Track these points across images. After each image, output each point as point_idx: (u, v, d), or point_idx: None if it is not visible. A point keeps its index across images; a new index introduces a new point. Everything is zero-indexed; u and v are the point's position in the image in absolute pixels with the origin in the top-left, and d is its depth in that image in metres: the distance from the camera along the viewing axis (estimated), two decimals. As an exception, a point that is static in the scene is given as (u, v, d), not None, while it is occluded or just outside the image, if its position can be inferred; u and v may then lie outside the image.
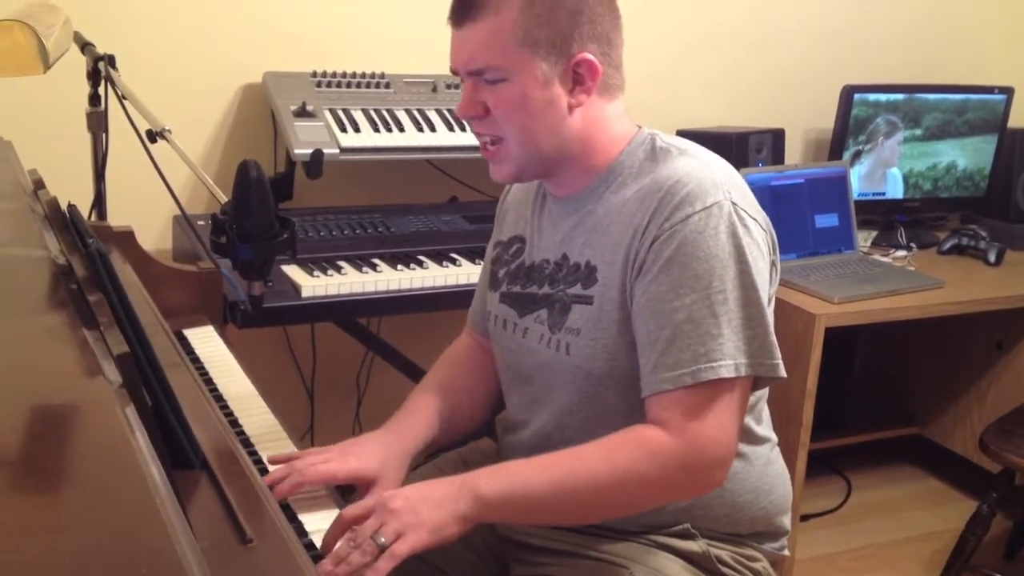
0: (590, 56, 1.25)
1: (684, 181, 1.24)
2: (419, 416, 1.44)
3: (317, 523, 1.19)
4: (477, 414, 1.53)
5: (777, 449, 1.44)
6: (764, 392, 1.38)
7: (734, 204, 1.23)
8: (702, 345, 1.19)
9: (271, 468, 1.29)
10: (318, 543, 1.15)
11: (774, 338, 1.24)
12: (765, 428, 1.41)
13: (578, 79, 1.26)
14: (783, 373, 1.25)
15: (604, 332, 1.28)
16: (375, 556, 1.10)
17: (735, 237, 1.22)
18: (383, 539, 1.11)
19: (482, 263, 1.56)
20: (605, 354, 1.29)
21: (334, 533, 1.14)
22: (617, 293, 1.27)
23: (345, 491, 1.33)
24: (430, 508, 1.15)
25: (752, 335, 1.22)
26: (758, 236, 1.26)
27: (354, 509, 1.15)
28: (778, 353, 1.24)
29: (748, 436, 1.36)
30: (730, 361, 1.20)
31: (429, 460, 1.60)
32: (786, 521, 1.44)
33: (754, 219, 1.26)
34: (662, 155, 1.30)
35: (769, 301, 1.31)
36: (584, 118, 1.29)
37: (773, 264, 1.31)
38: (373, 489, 1.32)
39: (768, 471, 1.40)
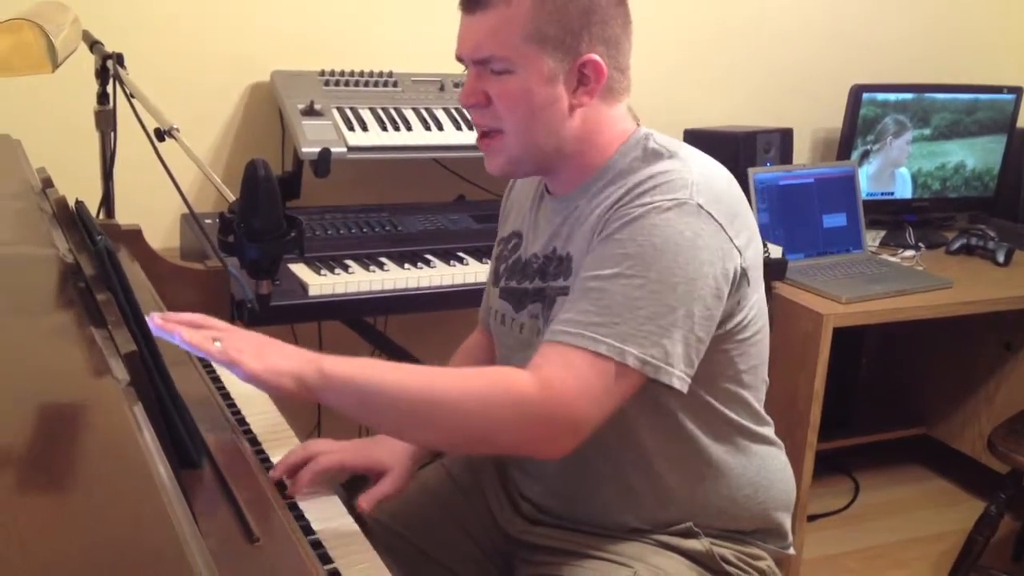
0: (597, 58, 1.24)
1: (657, 178, 1.23)
2: None
3: (324, 522, 1.20)
4: None
5: (779, 448, 1.43)
6: (759, 395, 1.37)
7: (699, 205, 1.20)
8: (598, 316, 1.16)
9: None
10: (325, 542, 1.15)
11: (681, 348, 1.18)
12: (765, 428, 1.40)
13: (583, 80, 1.26)
14: (678, 385, 1.19)
15: None
16: (202, 342, 1.15)
17: (682, 235, 1.18)
18: (219, 344, 1.15)
19: (489, 262, 1.57)
20: None
21: None
22: None
23: (354, 489, 1.34)
24: (275, 352, 1.18)
25: (653, 331, 1.16)
26: (716, 243, 1.21)
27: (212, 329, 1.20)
28: (678, 363, 1.18)
29: (745, 433, 1.35)
30: (616, 344, 1.15)
31: (436, 459, 1.60)
32: (788, 519, 1.44)
33: (720, 225, 1.21)
34: (653, 157, 1.28)
35: (734, 315, 1.26)
36: (584, 120, 1.28)
37: (745, 273, 1.25)
38: (388, 476, 1.35)
39: (767, 466, 1.39)
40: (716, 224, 1.21)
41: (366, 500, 1.29)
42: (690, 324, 1.19)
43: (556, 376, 1.16)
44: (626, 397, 1.19)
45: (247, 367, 1.14)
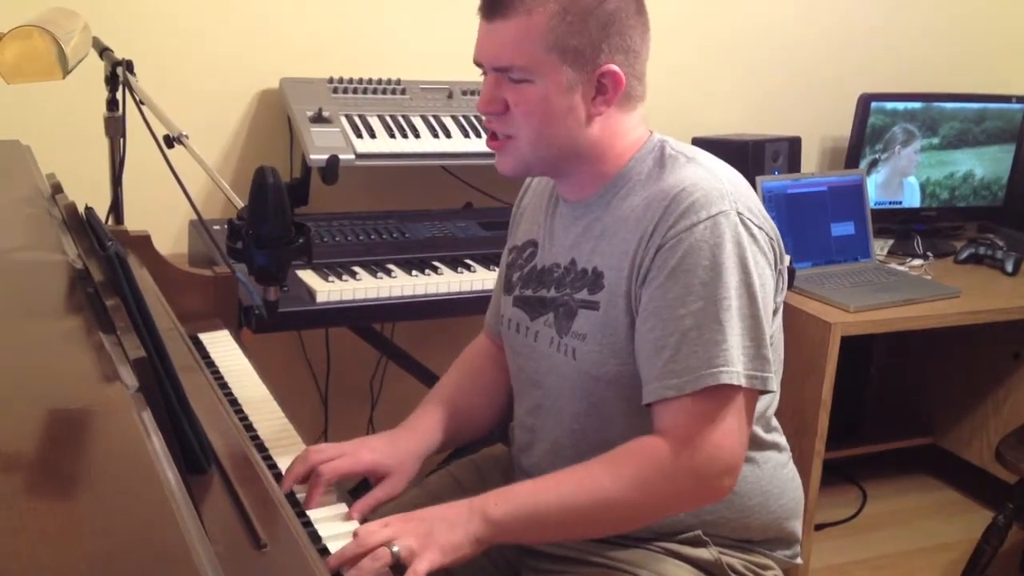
0: (616, 68, 1.25)
1: (690, 190, 1.24)
2: (433, 415, 1.46)
3: (331, 529, 1.19)
4: (491, 413, 1.54)
5: (787, 454, 1.44)
6: (772, 399, 1.38)
7: (740, 214, 1.23)
8: (706, 352, 1.19)
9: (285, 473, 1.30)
10: (332, 549, 1.15)
11: (768, 351, 1.24)
12: (774, 434, 1.41)
13: (601, 89, 1.26)
14: (773, 387, 1.26)
15: (611, 337, 1.29)
16: (386, 565, 1.10)
17: (740, 247, 1.22)
18: (396, 548, 1.11)
19: (497, 269, 1.57)
20: (613, 360, 1.29)
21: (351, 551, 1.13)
22: (623, 300, 1.27)
23: (361, 495, 1.33)
24: (444, 529, 1.16)
25: (749, 345, 1.22)
26: (764, 245, 1.26)
27: (372, 526, 1.16)
28: (770, 367, 1.24)
29: (754, 442, 1.35)
30: (732, 369, 1.20)
31: (442, 467, 1.60)
32: (798, 527, 1.44)
33: (760, 228, 1.26)
34: (670, 163, 1.30)
35: (776, 310, 1.31)
36: (601, 127, 1.29)
37: (780, 272, 1.31)
38: (386, 482, 1.34)
39: (778, 475, 1.39)
40: (758, 227, 1.26)
41: (358, 509, 1.27)
42: (775, 323, 1.29)
43: (691, 430, 1.20)
44: (754, 410, 1.26)
45: (432, 565, 1.13)
